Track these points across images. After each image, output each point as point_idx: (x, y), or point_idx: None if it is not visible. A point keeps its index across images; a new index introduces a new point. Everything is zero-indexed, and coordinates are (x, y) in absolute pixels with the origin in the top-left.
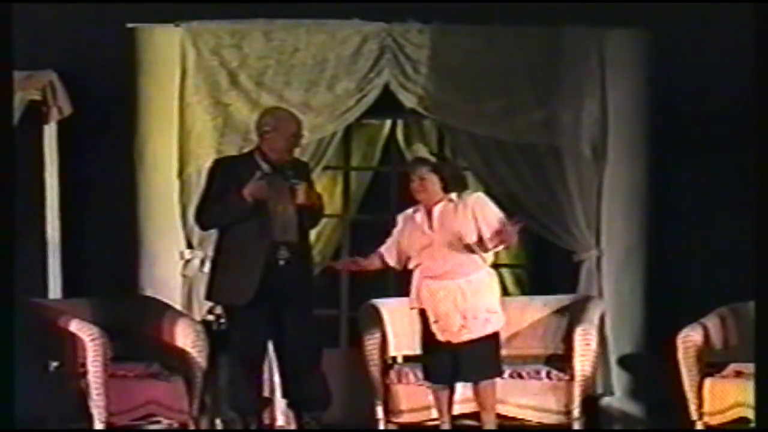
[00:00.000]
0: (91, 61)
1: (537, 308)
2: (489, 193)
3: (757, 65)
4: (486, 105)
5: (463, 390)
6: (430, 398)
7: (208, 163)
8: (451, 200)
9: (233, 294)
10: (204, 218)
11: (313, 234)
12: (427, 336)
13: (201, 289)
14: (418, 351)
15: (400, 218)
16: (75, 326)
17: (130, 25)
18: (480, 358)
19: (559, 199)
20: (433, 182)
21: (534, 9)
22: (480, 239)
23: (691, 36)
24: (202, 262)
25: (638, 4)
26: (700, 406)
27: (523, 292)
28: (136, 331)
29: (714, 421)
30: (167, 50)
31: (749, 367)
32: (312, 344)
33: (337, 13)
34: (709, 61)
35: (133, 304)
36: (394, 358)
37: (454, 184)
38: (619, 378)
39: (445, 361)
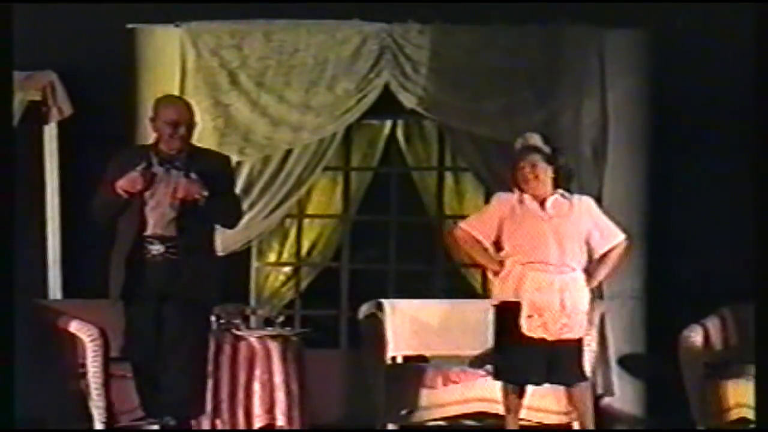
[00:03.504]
0: (91, 62)
1: None
2: (488, 194)
3: (757, 65)
4: (486, 105)
5: (463, 390)
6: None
7: None
8: (563, 196)
9: (111, 290)
10: (91, 210)
11: (313, 234)
12: (510, 332)
13: None
14: (417, 351)
15: (498, 199)
16: (75, 326)
17: (130, 26)
18: (572, 360)
19: None
20: (546, 173)
21: (534, 9)
22: (588, 244)
23: (690, 36)
24: None
25: (638, 4)
26: (700, 406)
27: None
28: None
29: (714, 421)
30: (167, 51)
31: (749, 368)
32: (185, 344)
33: (337, 13)
34: (709, 60)
35: None
36: (393, 358)
37: (564, 180)
38: (619, 378)
39: (536, 359)
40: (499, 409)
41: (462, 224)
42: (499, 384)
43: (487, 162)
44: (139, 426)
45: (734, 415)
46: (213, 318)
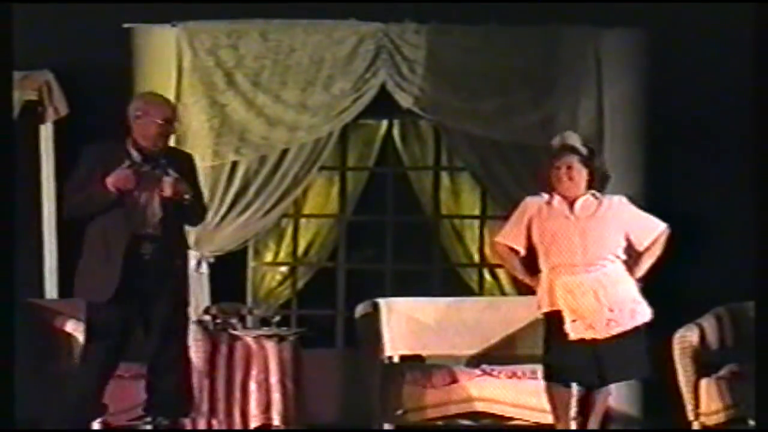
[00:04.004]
0: (88, 61)
1: (535, 308)
2: (484, 193)
3: (755, 65)
4: (482, 105)
5: (460, 390)
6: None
7: (205, 164)
8: (594, 196)
9: (95, 290)
10: (66, 207)
11: (309, 234)
12: (559, 337)
13: (197, 289)
14: (414, 350)
15: (525, 203)
16: (71, 327)
17: (126, 25)
18: (627, 355)
19: None
20: (581, 175)
21: (531, 9)
22: (628, 240)
23: (688, 36)
24: (199, 263)
25: (636, 4)
26: (696, 406)
27: (521, 292)
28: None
29: (710, 421)
30: (164, 50)
31: (746, 367)
32: (172, 345)
33: (334, 13)
34: (707, 60)
35: None
36: (390, 358)
37: (598, 181)
38: None
39: (588, 361)
40: (497, 409)
41: (497, 238)
42: (497, 384)
43: (483, 162)
44: (135, 426)
45: (730, 414)
46: (209, 317)
